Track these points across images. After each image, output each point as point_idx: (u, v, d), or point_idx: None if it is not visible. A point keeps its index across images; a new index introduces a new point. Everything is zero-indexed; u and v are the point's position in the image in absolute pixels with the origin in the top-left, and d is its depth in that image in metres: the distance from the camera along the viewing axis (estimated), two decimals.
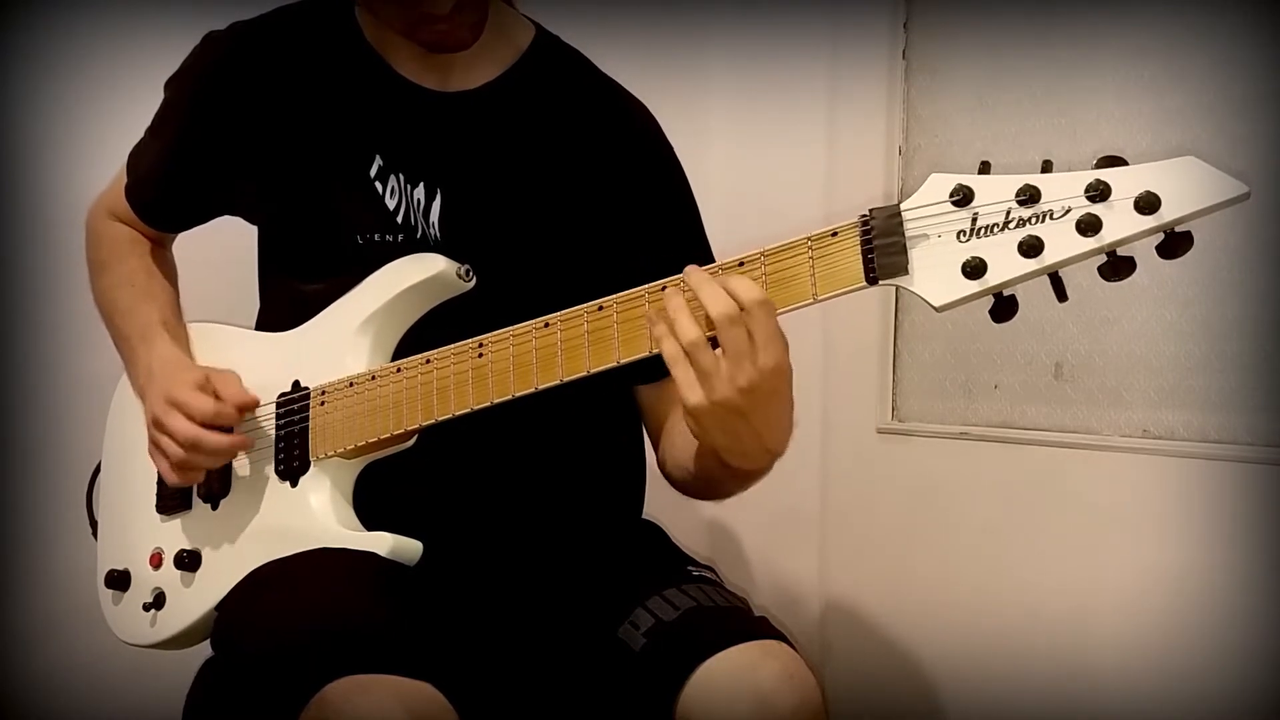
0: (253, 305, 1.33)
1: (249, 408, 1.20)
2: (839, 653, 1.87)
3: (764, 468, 1.08)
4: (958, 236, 0.89)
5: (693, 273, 0.99)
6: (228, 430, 1.18)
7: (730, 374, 0.95)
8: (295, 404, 1.19)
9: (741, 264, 0.99)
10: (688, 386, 0.97)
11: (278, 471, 1.19)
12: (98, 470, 1.37)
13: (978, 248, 0.88)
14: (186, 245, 1.40)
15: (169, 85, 1.29)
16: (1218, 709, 1.41)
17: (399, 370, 1.14)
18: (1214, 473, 1.43)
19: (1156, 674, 1.47)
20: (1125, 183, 0.84)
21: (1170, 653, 1.46)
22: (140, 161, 1.33)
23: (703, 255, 1.26)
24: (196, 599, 1.21)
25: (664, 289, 1.01)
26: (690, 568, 1.20)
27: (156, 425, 1.19)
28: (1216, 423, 1.46)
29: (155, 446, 1.20)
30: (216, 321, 1.31)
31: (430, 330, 1.16)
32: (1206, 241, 1.42)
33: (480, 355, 1.10)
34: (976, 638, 1.67)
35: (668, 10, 2.00)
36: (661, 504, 1.34)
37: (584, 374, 1.05)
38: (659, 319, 0.99)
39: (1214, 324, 1.46)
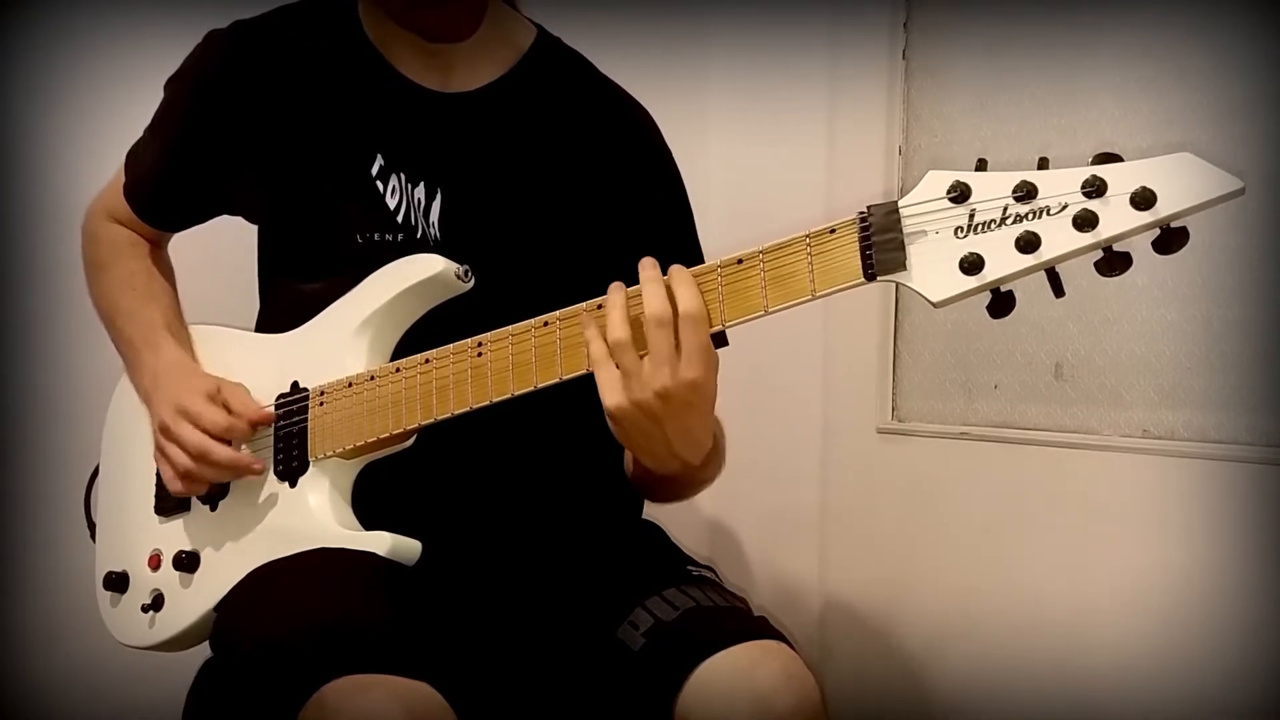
0: (252, 306, 1.32)
1: (263, 423, 1.19)
2: (839, 653, 1.87)
3: (676, 472, 1.08)
4: (955, 233, 0.90)
5: (645, 267, 1.01)
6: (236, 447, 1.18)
7: (649, 377, 0.98)
8: (294, 405, 1.19)
9: (740, 261, 0.99)
10: (608, 388, 1.00)
11: (276, 472, 1.19)
12: (96, 473, 1.36)
13: (975, 243, 0.89)
14: (186, 246, 1.40)
15: (170, 84, 1.30)
16: (1217, 709, 1.41)
17: (398, 370, 1.14)
18: (1214, 473, 1.43)
19: (1156, 674, 1.47)
20: (1121, 179, 0.84)
21: (1170, 652, 1.45)
22: (140, 160, 1.33)
23: (693, 257, 1.26)
24: (195, 600, 1.21)
25: None
26: (690, 567, 1.20)
27: (164, 432, 1.19)
28: (1216, 423, 1.46)
29: (161, 454, 1.20)
30: (215, 324, 1.31)
31: (429, 330, 1.16)
32: (1206, 242, 1.42)
33: (479, 355, 1.10)
34: (976, 638, 1.67)
35: (668, 10, 2.00)
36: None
37: (583, 372, 1.04)
38: (591, 321, 1.01)
39: (1214, 324, 1.45)
